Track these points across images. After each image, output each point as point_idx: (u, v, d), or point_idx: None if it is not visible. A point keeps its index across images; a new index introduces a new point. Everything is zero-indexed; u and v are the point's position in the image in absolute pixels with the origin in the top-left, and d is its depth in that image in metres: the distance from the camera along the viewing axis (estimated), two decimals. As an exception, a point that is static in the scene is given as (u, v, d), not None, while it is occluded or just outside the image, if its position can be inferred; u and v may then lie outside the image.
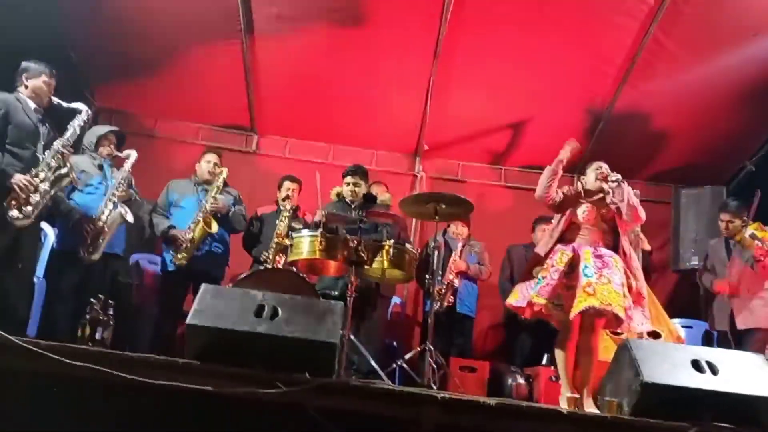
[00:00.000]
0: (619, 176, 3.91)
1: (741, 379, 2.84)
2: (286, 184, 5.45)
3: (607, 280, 3.66)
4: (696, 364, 2.88)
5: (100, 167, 4.65)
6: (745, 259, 4.89)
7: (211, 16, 5.56)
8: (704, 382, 2.82)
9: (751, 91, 5.72)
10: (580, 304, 3.62)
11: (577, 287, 3.68)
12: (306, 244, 4.10)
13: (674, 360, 2.90)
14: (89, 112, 4.32)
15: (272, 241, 4.93)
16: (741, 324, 4.83)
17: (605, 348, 4.11)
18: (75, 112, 4.23)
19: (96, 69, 6.10)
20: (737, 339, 4.82)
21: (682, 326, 5.46)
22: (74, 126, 4.18)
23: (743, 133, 6.18)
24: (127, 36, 5.69)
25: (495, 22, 5.46)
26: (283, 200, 5.31)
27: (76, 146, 4.43)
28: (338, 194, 5.08)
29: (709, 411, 2.73)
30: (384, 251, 4.11)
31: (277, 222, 5.05)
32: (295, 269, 4.37)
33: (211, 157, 5.13)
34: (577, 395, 3.70)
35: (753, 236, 4.69)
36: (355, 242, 4.01)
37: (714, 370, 2.87)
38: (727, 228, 5.06)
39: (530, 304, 3.83)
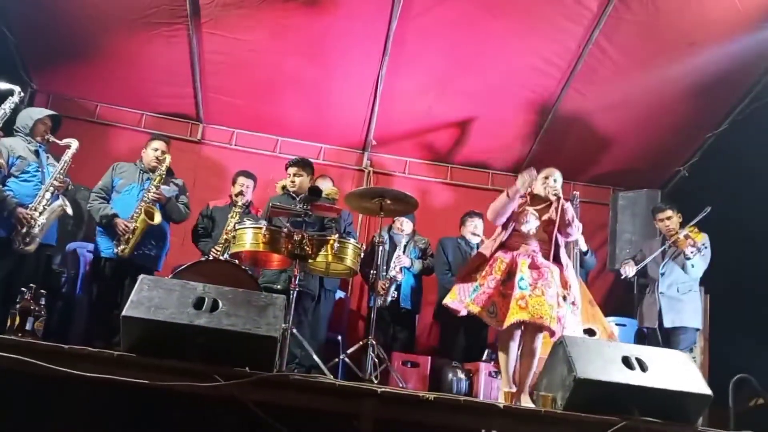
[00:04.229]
0: (559, 191, 4.00)
1: (668, 376, 2.96)
2: (240, 179, 5.34)
3: (540, 292, 3.76)
4: (626, 361, 2.98)
5: (36, 153, 4.48)
6: (676, 259, 5.11)
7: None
8: (634, 378, 2.92)
9: (686, 100, 5.94)
10: (511, 316, 3.73)
11: (511, 298, 3.78)
12: (249, 236, 4.05)
13: (606, 357, 3.00)
14: (21, 93, 4.17)
15: (221, 237, 4.86)
16: (668, 323, 5.05)
17: (543, 344, 4.22)
18: (7, 93, 4.07)
19: (34, 50, 5.86)
20: (665, 336, 5.04)
21: (616, 324, 5.64)
22: (5, 107, 4.03)
23: (678, 140, 6.42)
24: (68, 17, 5.48)
25: (443, 21, 5.50)
26: (237, 195, 5.21)
27: (8, 128, 4.26)
28: (283, 187, 5.04)
29: (638, 406, 2.84)
30: (328, 245, 4.10)
31: (228, 217, 4.97)
32: (237, 261, 4.31)
33: (159, 145, 4.98)
34: (514, 390, 3.79)
35: (687, 236, 4.93)
36: (300, 235, 3.99)
37: (643, 367, 2.98)
38: (663, 223, 5.27)
39: (465, 309, 3.94)
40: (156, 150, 4.95)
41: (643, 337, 5.26)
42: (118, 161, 5.12)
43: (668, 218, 5.25)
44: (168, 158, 4.91)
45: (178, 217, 5.06)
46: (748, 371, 3.69)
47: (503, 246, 4.01)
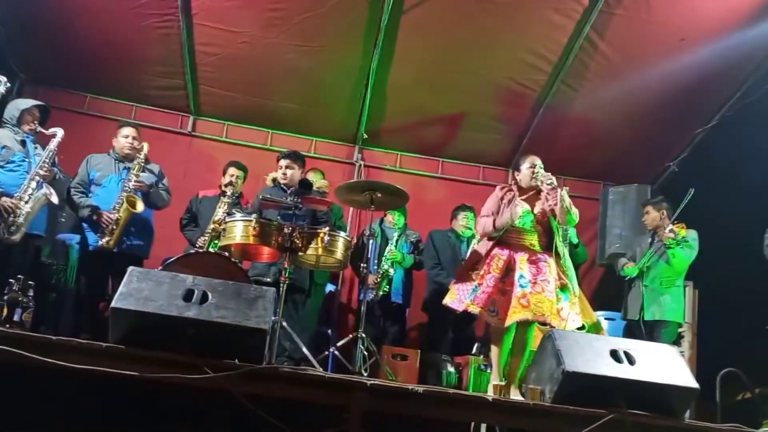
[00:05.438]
0: (553, 179, 3.99)
1: (656, 369, 2.99)
2: (231, 170, 5.31)
3: (541, 289, 3.78)
4: (614, 355, 3.01)
5: (23, 143, 4.45)
6: (661, 254, 5.17)
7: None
8: (622, 371, 2.94)
9: (677, 95, 5.95)
10: (514, 315, 3.73)
11: (512, 295, 3.78)
12: (239, 229, 4.03)
13: (594, 350, 3.02)
14: (8, 84, 4.14)
15: (208, 226, 4.84)
16: (649, 315, 5.15)
17: (533, 338, 4.24)
18: None
19: (24, 40, 5.80)
20: (647, 329, 5.14)
21: (606, 318, 5.68)
22: (-10, 96, 4.00)
23: (668, 136, 6.44)
24: (59, 7, 5.44)
25: (435, 14, 5.48)
26: (226, 186, 5.18)
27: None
28: (274, 180, 5.02)
29: (625, 399, 2.86)
30: (318, 238, 4.09)
31: (216, 208, 4.94)
32: (227, 254, 4.30)
33: (129, 131, 4.90)
34: (503, 383, 3.80)
35: (672, 230, 5.00)
36: (290, 228, 3.97)
37: (631, 360, 3.00)
38: (644, 218, 5.43)
39: (465, 310, 3.93)
40: (127, 137, 4.87)
41: (631, 331, 5.30)
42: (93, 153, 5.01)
43: (646, 213, 5.45)
44: (146, 146, 4.85)
45: (162, 204, 5.00)
46: (735, 365, 3.72)
47: (500, 242, 4.00)
